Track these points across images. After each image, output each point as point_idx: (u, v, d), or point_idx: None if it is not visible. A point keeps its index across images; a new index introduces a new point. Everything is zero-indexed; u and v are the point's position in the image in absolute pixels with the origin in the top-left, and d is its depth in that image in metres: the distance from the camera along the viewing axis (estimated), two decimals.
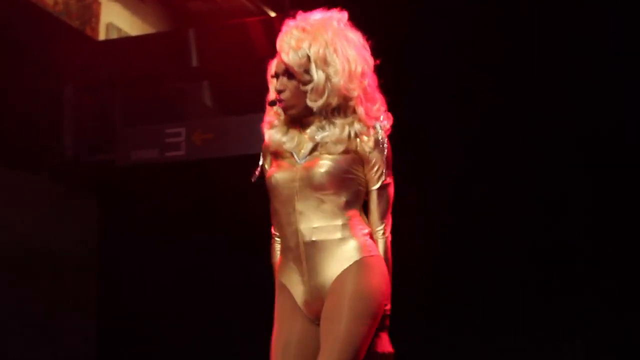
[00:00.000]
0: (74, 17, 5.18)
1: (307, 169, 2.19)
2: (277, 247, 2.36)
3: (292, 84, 2.17)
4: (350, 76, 2.14)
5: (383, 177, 2.24)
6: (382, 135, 2.20)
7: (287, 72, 2.16)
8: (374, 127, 2.19)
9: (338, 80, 2.11)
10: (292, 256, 2.22)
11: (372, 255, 2.17)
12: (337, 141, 2.17)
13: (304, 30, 2.16)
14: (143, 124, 4.97)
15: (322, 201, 2.20)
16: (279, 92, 2.19)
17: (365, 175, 2.22)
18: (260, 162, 2.36)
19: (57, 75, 5.09)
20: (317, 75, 2.12)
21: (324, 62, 2.13)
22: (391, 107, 2.26)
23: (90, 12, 5.36)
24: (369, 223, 2.26)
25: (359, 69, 2.16)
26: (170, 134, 4.81)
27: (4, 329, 4.74)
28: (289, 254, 2.24)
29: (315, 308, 2.18)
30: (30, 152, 5.02)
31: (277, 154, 2.28)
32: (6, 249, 4.82)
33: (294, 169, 2.22)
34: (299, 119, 2.24)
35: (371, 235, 2.26)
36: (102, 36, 5.37)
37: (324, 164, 2.17)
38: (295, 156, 2.23)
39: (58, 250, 5.11)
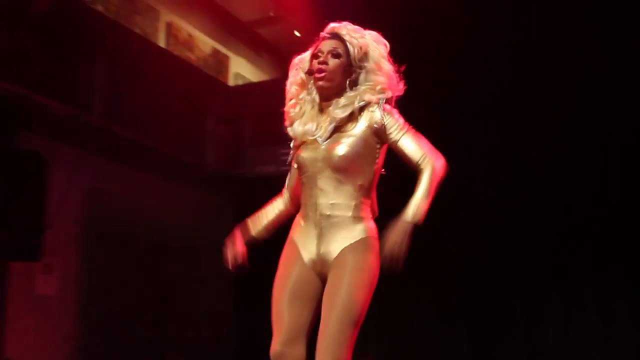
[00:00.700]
0: (211, 69, 5.78)
1: (328, 151, 2.17)
2: (279, 202, 2.41)
3: (336, 61, 2.22)
4: (394, 78, 2.26)
5: (403, 128, 2.20)
6: (382, 102, 2.19)
7: (334, 53, 2.23)
8: (379, 98, 2.20)
9: (387, 71, 2.25)
10: (309, 223, 2.22)
11: (374, 237, 2.19)
12: (343, 106, 2.19)
13: (357, 30, 2.29)
14: (265, 146, 5.21)
15: (340, 181, 2.18)
16: (322, 63, 2.22)
17: (386, 142, 2.20)
18: (291, 153, 2.29)
19: (202, 111, 5.48)
20: (371, 62, 2.24)
21: (380, 58, 2.26)
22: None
23: (222, 65, 5.97)
24: (413, 165, 2.18)
25: (397, 80, 2.27)
26: (284, 153, 4.78)
27: (135, 306, 4.99)
28: (307, 220, 2.23)
29: (319, 269, 2.20)
30: (183, 167, 5.45)
31: (303, 142, 2.25)
32: (165, 236, 5.22)
33: (317, 150, 2.19)
34: (325, 96, 2.24)
35: (376, 213, 2.28)
36: (231, 82, 5.94)
37: (342, 148, 2.16)
38: (319, 139, 2.21)
39: (202, 237, 5.32)
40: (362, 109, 2.22)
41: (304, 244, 2.23)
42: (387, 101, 2.24)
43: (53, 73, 4.45)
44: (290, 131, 2.30)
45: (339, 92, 2.25)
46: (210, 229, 5.45)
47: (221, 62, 6.00)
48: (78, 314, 4.78)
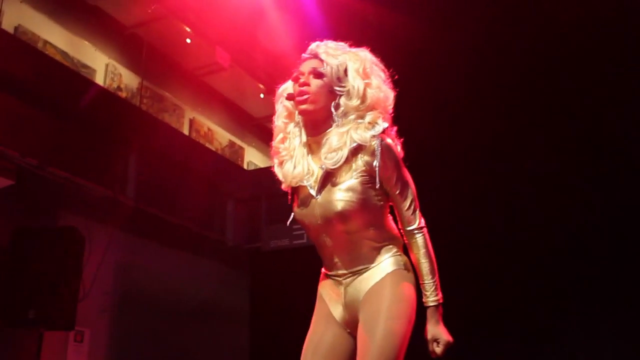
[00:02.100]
0: (229, 157, 5.92)
1: (324, 207, 1.82)
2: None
3: (318, 82, 1.85)
4: (384, 94, 1.90)
5: (398, 182, 1.86)
6: (378, 143, 1.81)
7: (315, 72, 1.86)
8: (373, 137, 1.82)
9: (374, 92, 1.86)
10: (330, 278, 1.93)
11: (404, 269, 1.88)
12: (332, 150, 1.82)
13: (339, 47, 1.93)
14: (278, 223, 5.24)
15: (349, 233, 1.84)
16: (302, 85, 1.86)
17: (381, 184, 1.83)
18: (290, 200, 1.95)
19: (221, 194, 5.55)
20: (356, 81, 1.85)
21: (364, 75, 1.88)
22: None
23: (238, 154, 6.10)
24: (400, 223, 1.91)
25: (389, 93, 1.92)
26: (296, 228, 4.97)
27: None
28: (328, 275, 1.94)
29: (351, 320, 1.87)
30: (205, 242, 5.49)
31: (295, 188, 1.92)
32: (188, 305, 5.22)
33: (311, 204, 1.85)
34: (311, 124, 1.88)
35: (400, 237, 1.93)
36: (246, 167, 6.12)
37: (339, 204, 1.80)
38: (310, 190, 1.85)
39: (222, 307, 5.42)
40: (355, 149, 1.83)
41: (332, 301, 1.91)
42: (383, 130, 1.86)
43: (92, 158, 4.53)
44: (278, 172, 1.94)
45: (326, 119, 1.87)
46: (229, 299, 5.53)
47: (237, 153, 6.14)
48: None
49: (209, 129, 5.87)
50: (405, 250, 1.95)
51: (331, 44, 1.93)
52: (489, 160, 4.41)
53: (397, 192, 1.87)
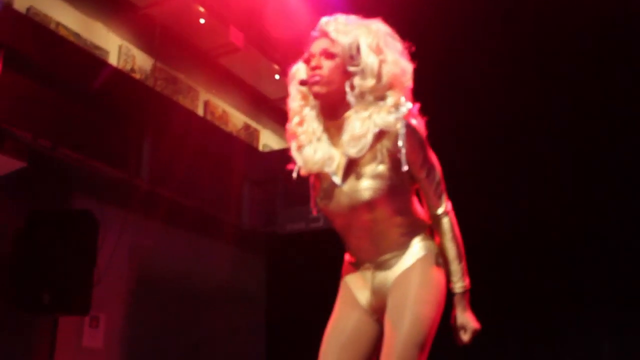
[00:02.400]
0: (245, 139, 5.82)
1: (350, 197, 1.74)
2: None
3: (330, 63, 1.74)
4: (401, 69, 1.77)
5: (425, 164, 1.77)
6: (402, 126, 1.71)
7: (326, 53, 1.75)
8: (397, 119, 1.71)
9: (390, 68, 1.74)
10: (359, 267, 1.86)
11: (434, 253, 1.81)
12: (355, 137, 1.71)
13: (350, 22, 1.79)
14: (295, 206, 5.17)
15: (377, 221, 1.76)
16: (314, 68, 1.75)
17: (408, 167, 1.73)
18: (311, 188, 1.87)
19: (237, 177, 5.47)
20: (370, 59, 1.72)
21: (378, 50, 1.74)
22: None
23: (253, 137, 6.00)
24: (426, 206, 1.84)
25: (406, 67, 1.79)
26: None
27: (176, 356, 4.88)
28: (357, 265, 1.87)
29: (378, 306, 1.82)
30: (220, 226, 5.46)
31: (317, 175, 1.83)
32: (204, 288, 5.22)
33: (336, 193, 1.76)
34: (327, 107, 1.78)
35: (428, 220, 1.86)
36: (261, 149, 6.01)
37: (366, 192, 1.72)
38: (334, 178, 1.76)
39: (238, 290, 5.45)
40: (379, 134, 1.72)
41: (358, 287, 1.85)
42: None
43: (105, 140, 4.46)
44: (297, 157, 1.81)
45: (342, 101, 1.75)
46: (245, 282, 5.52)
47: (252, 135, 6.04)
48: None
49: (224, 111, 5.77)
50: (433, 233, 1.89)
51: (341, 18, 1.80)
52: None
53: (424, 175, 1.79)
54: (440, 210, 1.82)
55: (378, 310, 1.82)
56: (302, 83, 1.79)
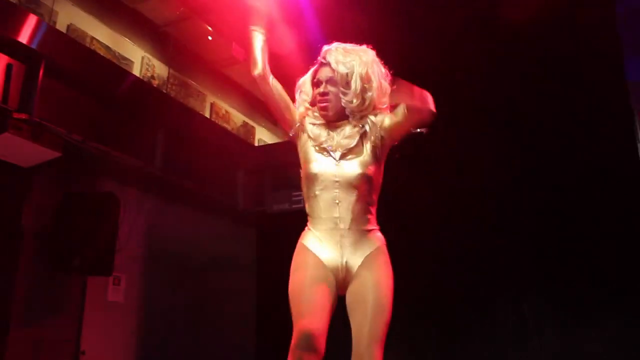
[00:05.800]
0: (242, 135, 5.82)
1: (346, 169, 1.83)
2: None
3: (334, 89, 1.89)
4: (381, 93, 1.90)
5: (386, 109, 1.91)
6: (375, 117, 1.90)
7: (331, 82, 1.89)
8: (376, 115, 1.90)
9: (372, 94, 1.88)
10: (326, 235, 1.84)
11: (384, 244, 1.90)
12: (348, 136, 1.87)
13: (348, 51, 1.90)
14: (280, 190, 5.15)
15: (357, 197, 1.82)
16: (323, 94, 1.89)
17: (392, 133, 1.85)
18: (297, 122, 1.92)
19: (235, 166, 5.46)
20: (356, 85, 1.85)
21: (367, 79, 1.87)
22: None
23: (250, 133, 5.98)
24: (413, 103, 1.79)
25: (386, 89, 1.91)
26: (296, 195, 4.95)
27: (183, 310, 4.87)
28: (323, 232, 1.84)
29: (343, 276, 1.83)
30: (220, 206, 5.46)
31: (316, 146, 1.90)
32: (205, 257, 5.20)
33: (332, 166, 1.85)
34: (331, 121, 1.91)
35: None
36: (256, 143, 6.01)
37: (359, 167, 1.83)
38: (332, 154, 1.86)
39: (233, 258, 5.44)
40: (364, 132, 1.89)
41: (322, 252, 1.82)
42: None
43: (127, 135, 4.48)
44: (306, 121, 1.91)
45: (340, 112, 1.90)
46: (240, 252, 5.52)
47: (249, 131, 6.07)
48: (140, 315, 4.75)
49: (226, 112, 5.86)
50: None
51: (340, 48, 1.92)
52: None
53: (392, 111, 1.89)
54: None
55: (342, 277, 1.83)
56: (312, 104, 1.95)
